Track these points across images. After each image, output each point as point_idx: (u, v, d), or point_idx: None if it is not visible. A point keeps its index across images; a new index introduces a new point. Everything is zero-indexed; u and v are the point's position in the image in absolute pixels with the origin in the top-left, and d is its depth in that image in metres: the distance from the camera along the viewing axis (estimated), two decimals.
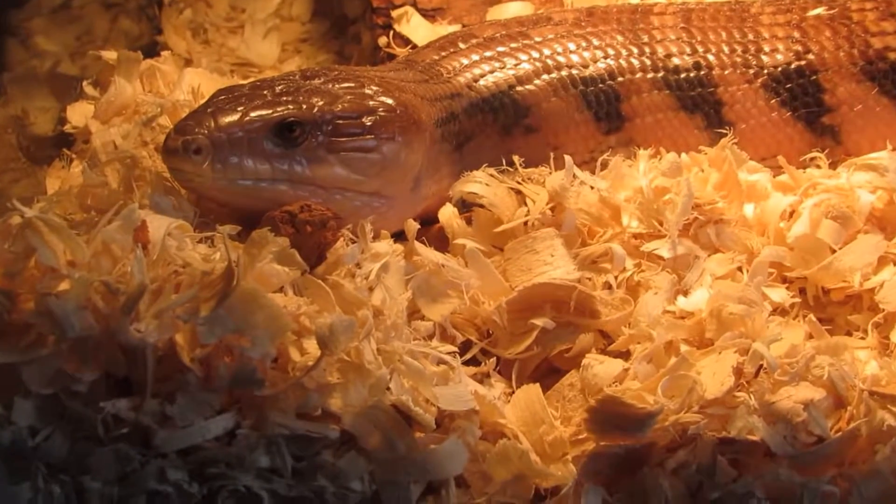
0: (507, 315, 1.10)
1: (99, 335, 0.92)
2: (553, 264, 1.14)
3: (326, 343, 0.93)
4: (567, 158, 1.18)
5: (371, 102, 1.15)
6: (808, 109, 1.28)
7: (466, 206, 1.21)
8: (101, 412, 0.92)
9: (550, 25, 1.30)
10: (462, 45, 1.28)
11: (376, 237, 1.11)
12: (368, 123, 1.14)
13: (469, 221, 1.20)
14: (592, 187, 1.18)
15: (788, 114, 1.28)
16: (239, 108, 1.11)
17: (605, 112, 1.27)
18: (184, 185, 1.12)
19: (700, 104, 1.28)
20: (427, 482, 0.98)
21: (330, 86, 1.15)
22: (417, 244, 1.13)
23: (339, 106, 1.14)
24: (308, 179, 1.11)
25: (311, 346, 0.96)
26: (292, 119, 1.11)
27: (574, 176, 1.17)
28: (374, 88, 1.16)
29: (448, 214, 1.20)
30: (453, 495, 0.99)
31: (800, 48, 1.28)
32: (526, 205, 1.18)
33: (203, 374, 0.93)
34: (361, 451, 0.96)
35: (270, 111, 1.11)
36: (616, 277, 1.14)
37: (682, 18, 1.30)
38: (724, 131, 1.24)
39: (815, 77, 1.28)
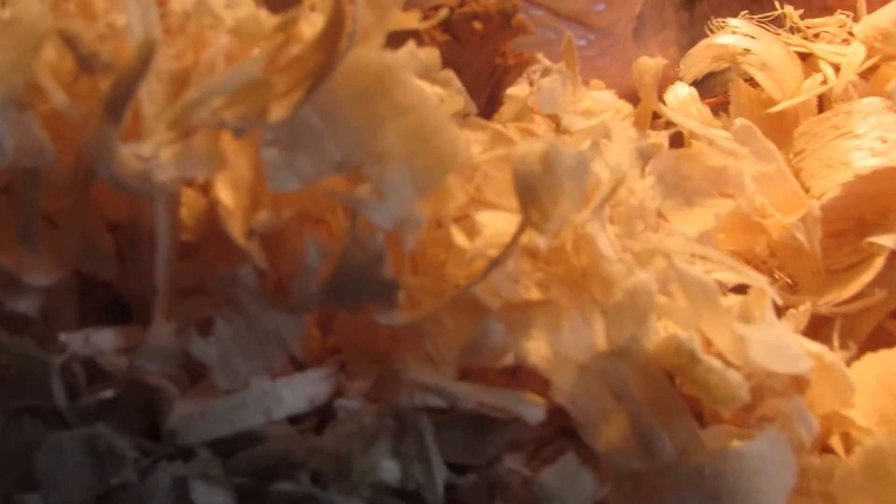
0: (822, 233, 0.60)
1: (59, 168, 0.43)
2: (887, 155, 0.64)
3: (533, 196, 0.43)
4: None
5: None
6: None
7: (709, 87, 0.73)
8: (62, 355, 0.45)
9: None
10: None
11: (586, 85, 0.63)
12: None
13: (715, 110, 0.71)
14: None
15: None
16: None
17: None
18: None
19: None
20: None
21: None
22: (662, 106, 0.64)
23: None
24: None
25: (490, 223, 0.47)
26: None
27: None
28: None
29: (682, 98, 0.71)
30: None
31: None
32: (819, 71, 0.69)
33: (271, 270, 0.44)
34: (586, 454, 0.46)
35: None
36: None
37: None
38: None
39: None
